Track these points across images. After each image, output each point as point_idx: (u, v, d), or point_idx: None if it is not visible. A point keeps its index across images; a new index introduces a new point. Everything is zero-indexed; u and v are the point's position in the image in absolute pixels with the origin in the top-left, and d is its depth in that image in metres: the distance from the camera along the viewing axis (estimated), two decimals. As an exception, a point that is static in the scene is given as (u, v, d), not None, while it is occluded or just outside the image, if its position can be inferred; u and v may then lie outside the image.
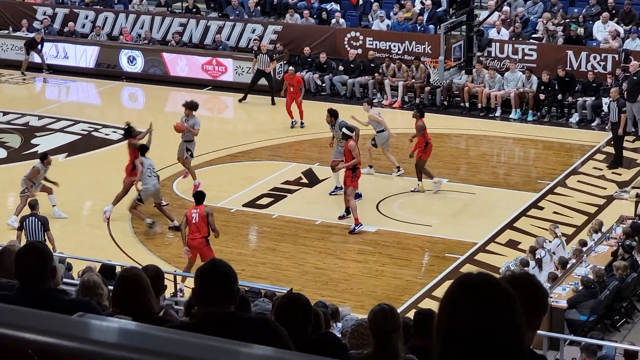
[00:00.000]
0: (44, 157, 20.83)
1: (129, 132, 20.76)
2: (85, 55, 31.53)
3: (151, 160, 20.39)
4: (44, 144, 25.23)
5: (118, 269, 13.90)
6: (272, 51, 29.31)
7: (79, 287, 8.00)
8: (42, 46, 31.61)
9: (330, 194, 21.79)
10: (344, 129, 20.88)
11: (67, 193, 21.49)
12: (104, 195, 21.35)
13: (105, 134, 26.32)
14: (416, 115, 22.26)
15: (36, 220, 18.30)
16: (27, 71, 31.51)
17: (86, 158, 24.72)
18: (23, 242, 16.90)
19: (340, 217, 20.55)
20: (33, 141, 25.50)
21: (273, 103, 28.11)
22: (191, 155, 21.86)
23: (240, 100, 28.72)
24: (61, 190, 21.15)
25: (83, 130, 26.59)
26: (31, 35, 31.97)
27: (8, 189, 22.29)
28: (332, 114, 21.71)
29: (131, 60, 31.17)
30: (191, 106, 21.82)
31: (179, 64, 30.60)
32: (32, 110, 27.90)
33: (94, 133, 26.41)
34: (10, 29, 32.87)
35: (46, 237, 17.93)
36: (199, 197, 17.88)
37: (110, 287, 9.61)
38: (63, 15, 33.29)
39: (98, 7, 33.56)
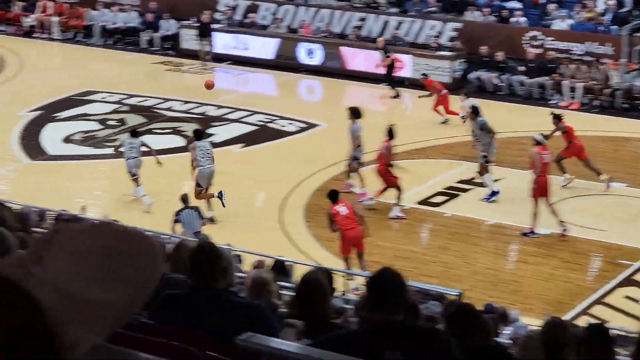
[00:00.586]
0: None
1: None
2: (264, 47, 32.02)
3: (207, 143, 20.76)
4: (220, 133, 25.73)
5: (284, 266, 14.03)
6: (387, 47, 29.53)
7: (250, 284, 8.10)
8: (210, 33, 32.33)
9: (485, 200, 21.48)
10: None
11: (242, 184, 21.87)
12: (278, 187, 21.65)
13: (282, 126, 26.65)
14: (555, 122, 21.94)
15: (192, 211, 18.66)
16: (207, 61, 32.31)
17: (262, 149, 25.05)
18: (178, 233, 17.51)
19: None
20: (210, 130, 26.00)
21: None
22: (359, 164, 21.73)
23: (394, 97, 28.96)
24: (236, 181, 21.53)
25: (259, 121, 26.99)
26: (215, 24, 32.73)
27: (186, 177, 22.80)
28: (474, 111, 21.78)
29: (310, 53, 31.50)
30: (353, 113, 21.76)
31: (357, 58, 30.75)
32: (210, 99, 28.48)
33: (270, 124, 26.77)
34: (194, 19, 33.57)
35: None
36: (335, 195, 18.00)
37: (281, 284, 9.73)
38: (245, 6, 33.85)
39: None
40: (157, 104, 28.33)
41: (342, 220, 17.62)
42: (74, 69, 32.42)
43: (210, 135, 25.29)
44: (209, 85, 23.61)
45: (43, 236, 1.69)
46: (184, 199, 18.90)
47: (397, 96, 29.02)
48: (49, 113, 27.39)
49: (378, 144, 21.11)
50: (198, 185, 20.33)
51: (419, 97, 27.12)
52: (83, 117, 26.99)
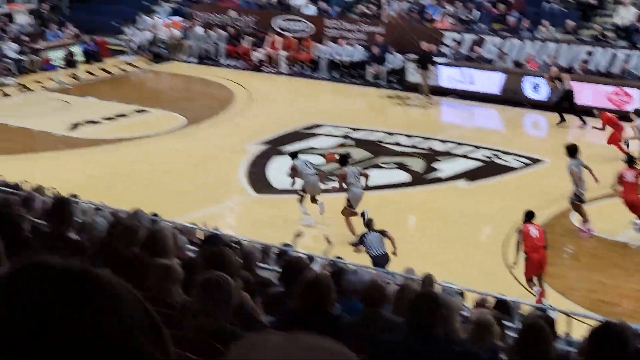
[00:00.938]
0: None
1: None
2: (490, 81, 31.83)
3: (355, 169, 21.64)
4: (445, 168, 25.68)
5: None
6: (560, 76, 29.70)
7: (473, 324, 8.03)
8: (431, 64, 32.40)
9: None
10: None
11: (465, 219, 21.74)
12: (502, 223, 21.41)
13: (507, 161, 26.37)
14: None
15: (376, 234, 18.88)
16: (432, 94, 32.35)
17: (486, 185, 24.84)
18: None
19: None
20: (435, 165, 25.97)
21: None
22: (579, 200, 21.22)
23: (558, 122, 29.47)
24: (460, 216, 21.42)
25: (485, 156, 26.79)
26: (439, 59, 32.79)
27: (410, 211, 22.86)
28: None
29: (535, 88, 31.11)
30: (569, 151, 21.31)
31: (584, 92, 30.14)
32: (436, 134, 28.48)
33: (495, 160, 26.54)
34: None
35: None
36: (530, 215, 18.27)
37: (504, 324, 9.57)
38: (471, 40, 33.76)
39: (505, 33, 33.74)
40: (383, 137, 28.54)
41: (530, 241, 17.88)
42: (300, 103, 33.12)
43: (438, 170, 25.33)
44: (330, 159, 23.90)
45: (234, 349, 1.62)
46: (368, 223, 19.31)
47: (561, 122, 29.39)
48: (275, 146, 28.01)
49: (613, 175, 20.72)
50: (350, 206, 21.32)
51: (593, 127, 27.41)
52: (309, 150, 27.43)
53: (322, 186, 22.67)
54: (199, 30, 38.68)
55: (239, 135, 29.07)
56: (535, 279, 18.02)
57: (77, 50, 38.85)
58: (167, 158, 26.71)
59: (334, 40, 35.88)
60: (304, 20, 37.20)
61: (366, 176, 21.90)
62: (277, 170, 25.88)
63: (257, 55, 37.24)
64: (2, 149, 28.28)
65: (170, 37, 39.52)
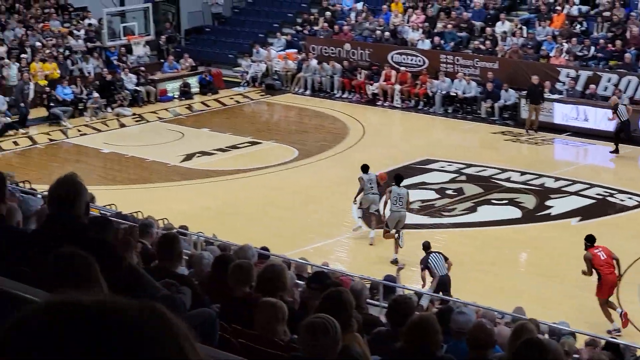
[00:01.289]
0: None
1: None
2: (605, 119, 31.35)
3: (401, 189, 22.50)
4: (558, 206, 25.37)
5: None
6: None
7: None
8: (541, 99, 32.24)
9: None
10: None
11: (579, 258, 21.42)
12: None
13: (621, 200, 25.94)
14: None
15: (439, 255, 19.18)
16: (543, 131, 32.05)
17: (599, 223, 24.44)
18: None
19: None
20: (547, 203, 25.68)
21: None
22: None
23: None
24: (573, 255, 21.12)
25: (598, 194, 26.39)
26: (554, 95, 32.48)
27: (520, 248, 22.62)
28: None
29: (651, 125, 30.60)
30: None
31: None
32: (549, 171, 28.18)
33: (609, 198, 26.12)
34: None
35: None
36: (592, 239, 18.86)
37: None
38: (586, 77, 33.34)
39: (622, 70, 33.23)
40: (495, 174, 28.30)
41: (601, 264, 18.27)
42: (413, 137, 33.10)
43: (550, 207, 25.09)
44: (383, 178, 24.38)
45: None
46: (426, 246, 19.57)
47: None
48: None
49: None
50: (387, 226, 22.25)
51: None
52: (421, 185, 27.38)
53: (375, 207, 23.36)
54: (314, 62, 39.00)
55: (351, 169, 29.08)
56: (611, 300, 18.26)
57: (193, 82, 39.51)
58: (279, 191, 26.91)
59: (449, 75, 35.81)
60: (419, 54, 37.23)
61: (408, 203, 22.62)
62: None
63: (372, 88, 37.38)
64: (117, 179, 28.90)
65: (285, 69, 39.92)
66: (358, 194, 23.76)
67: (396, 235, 22.08)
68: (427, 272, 19.02)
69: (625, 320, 17.98)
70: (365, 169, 24.07)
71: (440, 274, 18.72)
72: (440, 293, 17.66)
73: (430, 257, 19.17)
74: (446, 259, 19.18)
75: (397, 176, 23.33)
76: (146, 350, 1.51)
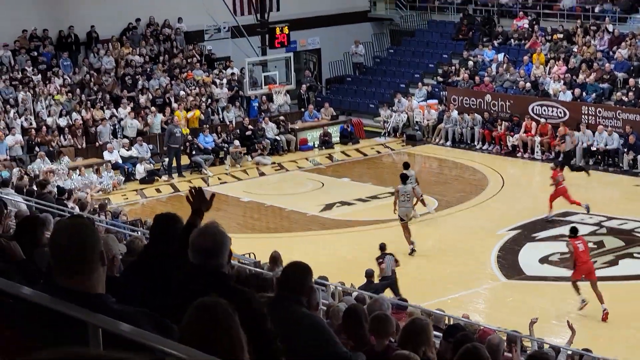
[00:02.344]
0: None
1: None
2: None
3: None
4: None
5: None
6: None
7: None
8: None
9: None
10: None
11: None
12: None
13: None
14: None
15: (391, 257, 22.18)
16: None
17: None
18: None
19: None
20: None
21: None
22: None
23: None
24: None
25: None
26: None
27: None
28: None
29: None
30: None
31: None
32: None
33: None
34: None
35: None
36: (575, 230, 22.22)
37: None
38: None
39: None
40: (637, 227, 27.75)
41: (579, 254, 21.53)
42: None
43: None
44: None
45: None
46: (382, 247, 22.68)
47: None
48: (528, 232, 27.75)
49: None
50: (401, 220, 26.01)
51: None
52: (561, 238, 27.00)
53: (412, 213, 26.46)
54: (455, 113, 38.96)
55: (491, 220, 28.98)
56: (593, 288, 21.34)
57: (334, 131, 39.85)
58: (418, 241, 26.86)
59: (590, 127, 35.33)
60: (560, 106, 36.86)
61: (418, 198, 27.11)
62: (529, 256, 25.65)
63: (512, 140, 37.12)
64: (256, 228, 29.28)
65: (426, 119, 39.98)
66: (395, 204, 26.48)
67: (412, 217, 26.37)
68: (383, 266, 21.86)
69: (604, 316, 21.07)
70: (405, 179, 26.47)
71: (389, 274, 21.65)
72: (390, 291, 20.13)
73: (385, 257, 22.11)
74: (396, 261, 22.20)
75: (402, 175, 26.55)
76: None
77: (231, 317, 3.99)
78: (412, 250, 25.99)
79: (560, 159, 33.35)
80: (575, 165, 33.07)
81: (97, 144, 36.15)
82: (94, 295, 4.10)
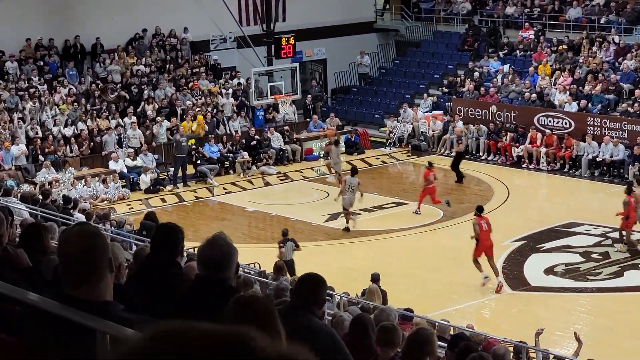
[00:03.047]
0: None
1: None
2: None
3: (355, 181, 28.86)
4: None
5: None
6: None
7: None
8: None
9: None
10: None
11: None
12: None
13: None
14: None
15: (291, 243, 24.29)
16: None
17: None
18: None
19: None
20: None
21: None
22: None
23: None
24: None
25: None
26: None
27: None
28: None
29: None
30: None
31: None
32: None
33: None
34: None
35: None
36: (481, 209, 24.68)
37: None
38: None
39: None
40: (643, 239, 27.73)
41: (481, 231, 23.80)
42: (558, 200, 32.65)
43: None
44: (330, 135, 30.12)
45: None
46: (285, 233, 24.67)
47: None
48: (533, 243, 27.71)
49: None
50: (344, 209, 29.24)
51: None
52: (566, 249, 26.99)
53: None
54: (460, 124, 38.95)
55: (496, 231, 28.86)
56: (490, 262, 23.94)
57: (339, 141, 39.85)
58: (422, 252, 26.85)
59: (595, 138, 35.31)
60: (565, 117, 36.85)
61: (361, 193, 29.46)
62: (534, 267, 25.62)
63: (517, 151, 37.11)
64: (261, 238, 29.27)
65: (431, 130, 39.98)
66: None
67: (352, 216, 29.14)
68: (283, 250, 23.64)
69: (499, 288, 23.55)
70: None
71: (288, 259, 23.15)
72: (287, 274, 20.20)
73: (287, 243, 23.98)
74: (297, 246, 24.27)
75: (353, 168, 30.17)
76: None
77: (271, 313, 3.96)
78: (347, 229, 29.26)
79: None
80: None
81: (102, 153, 36.18)
82: (102, 302, 4.10)
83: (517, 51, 42.64)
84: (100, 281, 4.13)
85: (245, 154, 37.30)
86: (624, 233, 26.81)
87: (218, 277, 5.40)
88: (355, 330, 8.14)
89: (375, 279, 20.45)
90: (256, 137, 38.33)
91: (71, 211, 24.01)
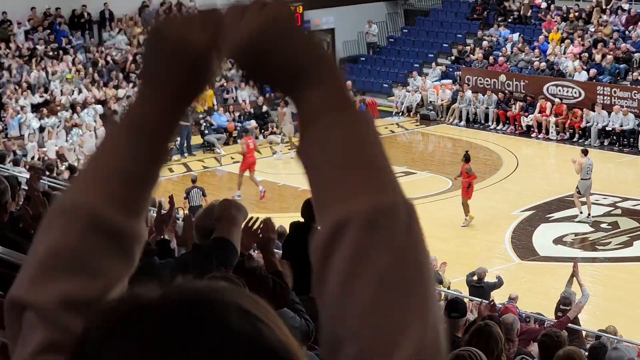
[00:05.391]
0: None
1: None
2: None
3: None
4: None
5: None
6: None
7: None
8: None
9: None
10: None
11: None
12: None
13: None
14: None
15: (198, 190, 25.98)
16: None
17: None
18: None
19: None
20: None
21: None
22: None
23: None
24: None
25: None
26: None
27: None
28: None
29: None
30: None
31: None
32: None
33: None
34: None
35: None
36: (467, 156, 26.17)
37: None
38: None
39: None
40: (653, 208, 27.65)
41: (248, 150, 29.37)
42: (568, 170, 32.44)
43: None
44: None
45: None
46: (193, 180, 26.56)
47: None
48: (542, 213, 27.60)
49: None
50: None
51: None
52: (575, 218, 26.88)
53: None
54: (469, 93, 38.75)
55: (505, 201, 28.83)
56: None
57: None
58: (432, 222, 26.72)
59: (605, 107, 35.10)
60: (575, 86, 36.62)
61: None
62: (543, 237, 25.53)
63: (526, 120, 36.92)
64: (269, 207, 29.16)
65: (440, 99, 39.80)
66: None
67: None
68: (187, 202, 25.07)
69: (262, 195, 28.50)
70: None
71: (195, 204, 24.30)
72: None
73: (192, 190, 25.61)
74: (204, 195, 25.52)
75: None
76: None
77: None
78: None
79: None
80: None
81: (110, 122, 36.05)
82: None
83: (527, 20, 42.34)
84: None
85: (254, 123, 37.15)
86: None
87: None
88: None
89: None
90: (264, 106, 38.19)
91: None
